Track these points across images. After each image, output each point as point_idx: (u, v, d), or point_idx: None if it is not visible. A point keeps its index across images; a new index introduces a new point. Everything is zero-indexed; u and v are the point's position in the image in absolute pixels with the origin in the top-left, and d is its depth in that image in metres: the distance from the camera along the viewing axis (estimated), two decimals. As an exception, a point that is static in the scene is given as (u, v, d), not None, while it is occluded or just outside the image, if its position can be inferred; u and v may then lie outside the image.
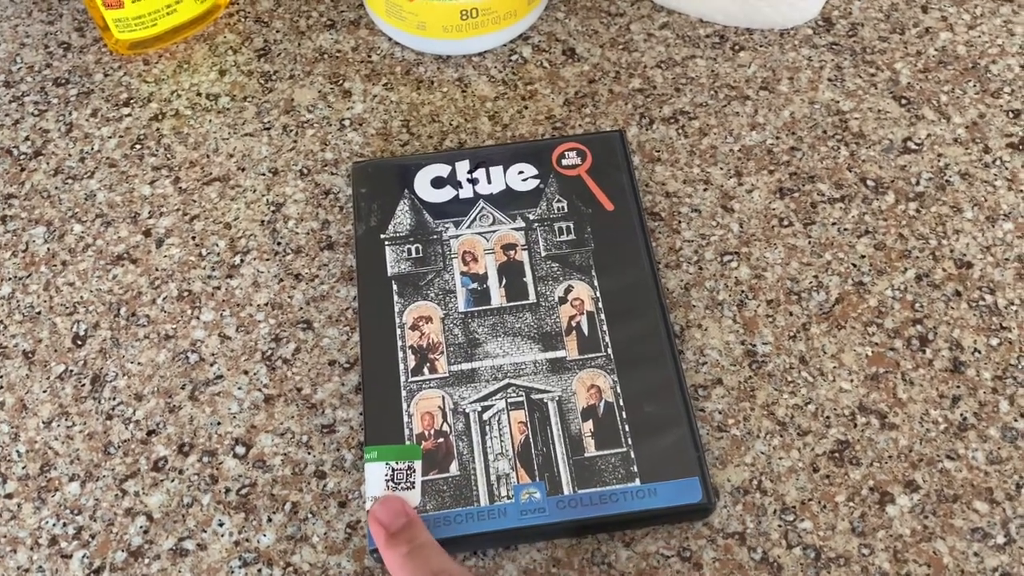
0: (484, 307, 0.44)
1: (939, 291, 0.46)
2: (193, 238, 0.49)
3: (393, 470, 0.40)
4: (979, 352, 0.45)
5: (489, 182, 0.48)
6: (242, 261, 0.48)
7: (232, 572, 0.40)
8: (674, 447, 0.40)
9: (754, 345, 0.45)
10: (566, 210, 0.47)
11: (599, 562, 0.40)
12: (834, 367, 0.44)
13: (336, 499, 0.42)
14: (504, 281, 0.45)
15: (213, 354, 0.46)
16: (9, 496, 0.42)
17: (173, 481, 0.42)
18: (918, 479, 0.41)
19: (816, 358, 0.45)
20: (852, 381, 0.44)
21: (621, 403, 0.41)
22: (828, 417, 0.43)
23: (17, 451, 0.44)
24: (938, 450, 0.42)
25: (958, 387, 0.44)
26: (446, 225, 0.46)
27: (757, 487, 0.41)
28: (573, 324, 0.43)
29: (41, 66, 0.56)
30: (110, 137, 0.53)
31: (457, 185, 0.48)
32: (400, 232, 0.46)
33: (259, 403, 0.44)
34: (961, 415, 0.43)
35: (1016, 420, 0.43)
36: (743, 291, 0.47)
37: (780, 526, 0.41)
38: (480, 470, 0.40)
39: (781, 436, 0.43)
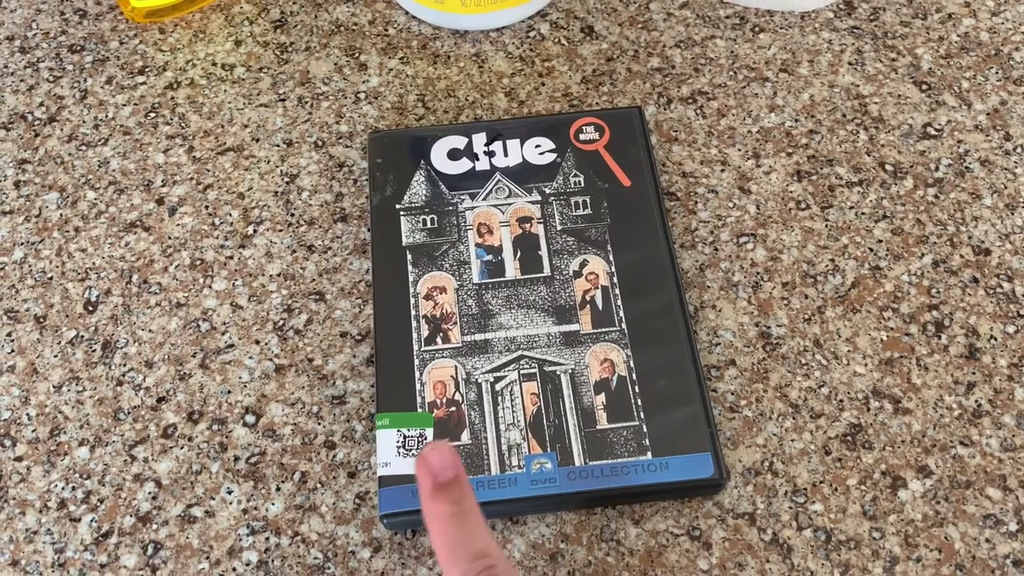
0: (498, 279, 0.44)
1: (956, 277, 0.46)
2: (206, 207, 0.49)
3: (404, 437, 0.40)
4: (995, 339, 0.44)
5: (506, 155, 0.47)
6: (255, 231, 0.48)
7: (240, 540, 0.40)
8: (687, 422, 0.40)
9: (768, 327, 0.45)
10: (583, 185, 0.47)
11: (608, 538, 0.40)
12: (848, 351, 0.44)
13: (345, 469, 0.41)
14: (519, 254, 0.45)
15: (225, 323, 0.45)
16: (19, 459, 0.42)
17: (182, 448, 0.42)
18: (931, 464, 0.41)
19: (831, 341, 0.44)
20: (866, 365, 0.44)
21: (634, 377, 0.41)
22: (841, 400, 0.43)
23: (27, 414, 0.43)
24: (952, 436, 0.42)
25: (973, 373, 0.43)
26: (462, 197, 0.46)
27: (768, 468, 0.41)
28: (587, 298, 0.43)
29: (57, 32, 0.56)
30: (124, 105, 0.53)
31: (474, 157, 0.47)
32: (416, 203, 0.46)
33: (270, 373, 0.44)
34: (976, 402, 0.43)
35: (1031, 407, 0.42)
36: (758, 273, 0.46)
37: (791, 508, 0.40)
38: (492, 439, 0.40)
39: (794, 418, 0.42)
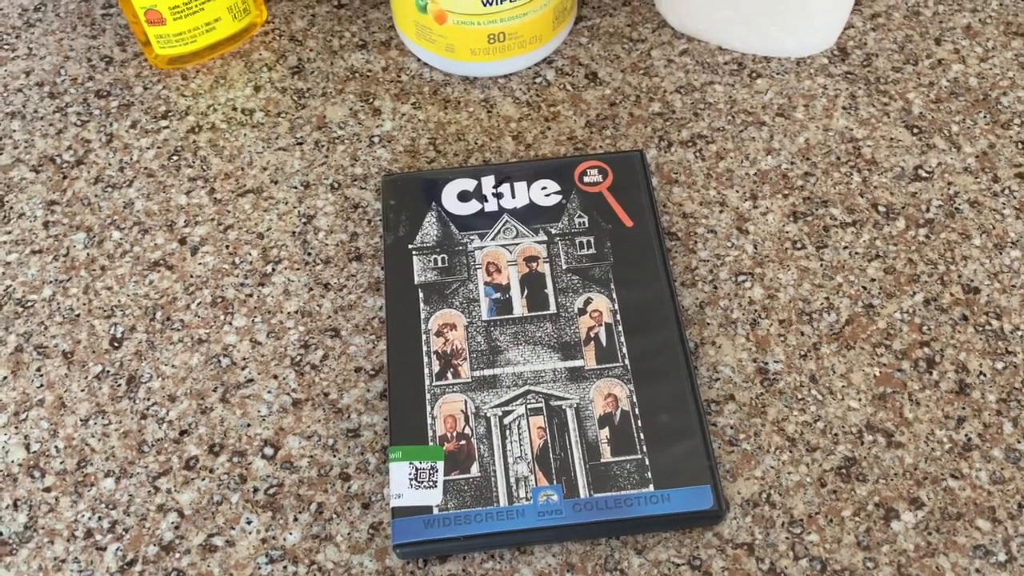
0: (506, 316, 0.46)
1: (946, 315, 0.48)
2: (227, 247, 0.51)
3: (416, 469, 0.41)
4: (984, 375, 0.46)
5: (513, 197, 0.50)
6: (274, 270, 0.50)
7: (259, 568, 0.42)
8: (687, 455, 0.42)
9: (766, 363, 0.46)
10: (587, 225, 0.49)
11: (612, 568, 0.41)
12: (843, 386, 0.46)
13: (360, 500, 0.43)
14: (526, 292, 0.47)
15: (244, 359, 0.47)
16: (47, 490, 0.44)
17: (204, 480, 0.44)
18: (922, 496, 0.43)
19: (826, 377, 0.46)
20: (860, 400, 0.45)
21: (637, 412, 0.43)
22: (836, 434, 0.44)
23: (56, 447, 0.45)
24: (943, 469, 0.43)
25: (963, 409, 0.45)
26: (471, 237, 0.48)
27: (766, 500, 0.43)
28: (591, 335, 0.45)
29: (84, 78, 0.59)
30: (149, 148, 0.55)
31: (482, 199, 0.50)
32: (427, 243, 0.48)
33: (287, 407, 0.46)
34: (966, 436, 0.44)
35: (1019, 442, 0.44)
36: (756, 311, 0.48)
37: (788, 538, 0.42)
38: (500, 472, 0.41)
39: (790, 452, 0.44)
